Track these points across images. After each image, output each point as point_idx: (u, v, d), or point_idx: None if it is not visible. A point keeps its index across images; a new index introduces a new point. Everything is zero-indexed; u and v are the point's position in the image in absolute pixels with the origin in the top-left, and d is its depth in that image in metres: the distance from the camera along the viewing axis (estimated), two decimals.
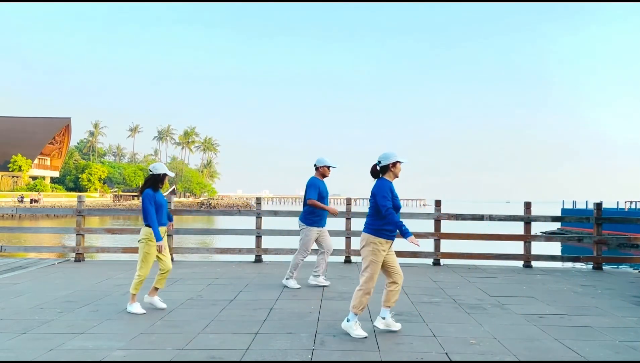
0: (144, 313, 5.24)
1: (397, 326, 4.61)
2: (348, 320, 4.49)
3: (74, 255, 9.21)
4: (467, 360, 3.84)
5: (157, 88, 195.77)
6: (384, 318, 4.58)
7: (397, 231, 4.45)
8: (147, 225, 5.35)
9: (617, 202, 35.35)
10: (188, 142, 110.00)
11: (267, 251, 9.07)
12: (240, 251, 9.09)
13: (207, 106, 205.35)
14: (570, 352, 4.09)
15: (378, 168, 4.68)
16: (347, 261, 9.06)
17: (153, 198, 5.34)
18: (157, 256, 5.42)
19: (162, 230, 5.45)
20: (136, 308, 5.31)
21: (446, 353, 3.98)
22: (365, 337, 4.37)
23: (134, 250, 9.61)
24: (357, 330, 4.42)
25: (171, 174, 5.69)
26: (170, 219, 5.83)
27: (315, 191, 6.67)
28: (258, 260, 9.11)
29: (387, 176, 4.66)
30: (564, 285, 7.12)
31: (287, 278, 6.78)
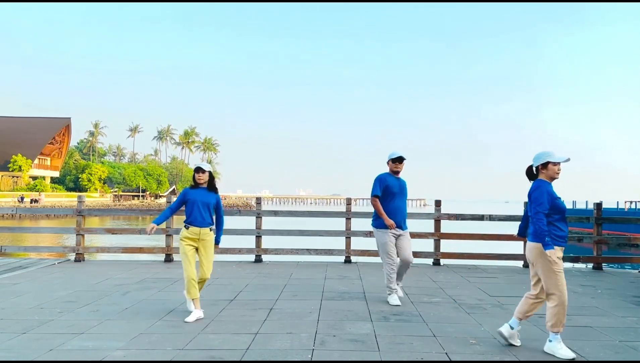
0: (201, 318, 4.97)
1: (518, 342, 4.22)
2: (550, 341, 4.04)
3: (74, 255, 9.21)
4: (467, 360, 3.84)
5: (157, 88, 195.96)
6: (512, 328, 4.21)
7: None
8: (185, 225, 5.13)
9: (617, 202, 35.35)
10: (188, 142, 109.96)
11: (267, 251, 9.07)
12: (240, 251, 9.08)
13: (208, 106, 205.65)
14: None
15: (534, 169, 4.33)
16: (347, 261, 9.05)
17: (182, 194, 5.26)
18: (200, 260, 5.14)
19: (195, 230, 5.09)
20: (189, 306, 5.14)
21: (446, 353, 3.98)
22: (574, 358, 3.87)
23: (134, 250, 9.63)
24: (562, 349, 3.95)
25: (204, 166, 5.18)
26: (215, 223, 5.32)
27: (377, 187, 5.76)
28: (258, 260, 9.11)
29: (541, 178, 4.26)
30: None
31: (388, 294, 5.81)
